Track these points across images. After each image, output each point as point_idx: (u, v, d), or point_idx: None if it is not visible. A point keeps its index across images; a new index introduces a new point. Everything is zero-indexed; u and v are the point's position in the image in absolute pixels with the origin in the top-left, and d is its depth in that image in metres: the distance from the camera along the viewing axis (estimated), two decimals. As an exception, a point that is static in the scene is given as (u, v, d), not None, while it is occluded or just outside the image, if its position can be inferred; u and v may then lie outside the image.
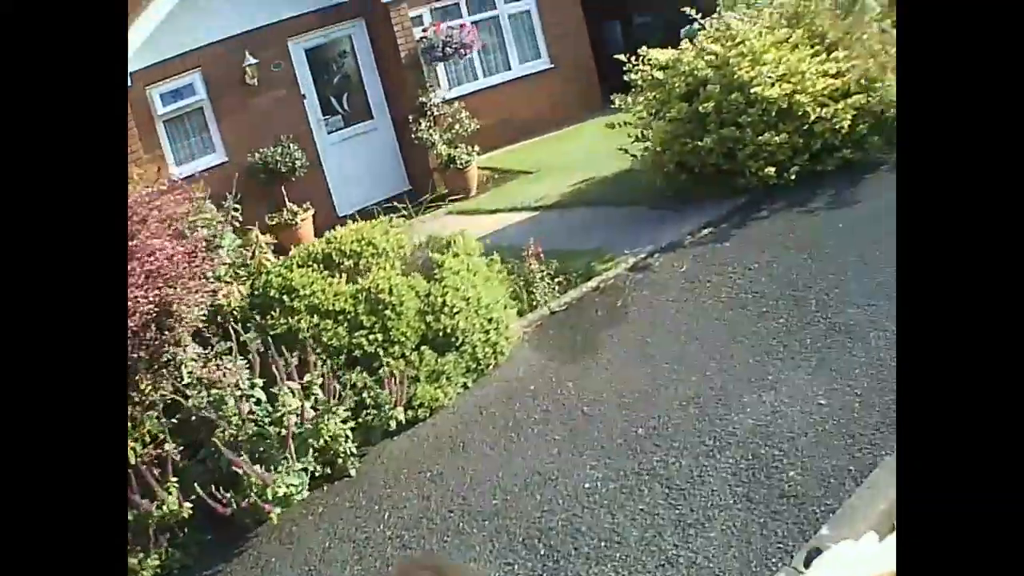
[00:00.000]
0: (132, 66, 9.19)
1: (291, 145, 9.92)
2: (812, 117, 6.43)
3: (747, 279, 5.46)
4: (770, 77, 6.44)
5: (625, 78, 7.32)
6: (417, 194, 10.94)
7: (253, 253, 5.53)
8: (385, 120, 10.87)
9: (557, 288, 5.97)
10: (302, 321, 5.04)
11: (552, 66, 11.88)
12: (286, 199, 10.07)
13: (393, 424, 4.81)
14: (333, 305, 5.07)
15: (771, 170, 6.49)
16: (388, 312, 5.06)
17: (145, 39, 9.08)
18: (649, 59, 7.23)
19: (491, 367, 5.31)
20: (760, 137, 6.45)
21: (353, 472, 4.72)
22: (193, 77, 9.67)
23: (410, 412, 4.96)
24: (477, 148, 10.39)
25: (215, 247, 5.37)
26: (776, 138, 6.43)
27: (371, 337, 5.02)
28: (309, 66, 10.38)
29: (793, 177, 6.49)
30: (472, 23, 11.29)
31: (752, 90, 6.42)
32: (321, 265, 5.37)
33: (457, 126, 10.42)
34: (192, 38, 9.44)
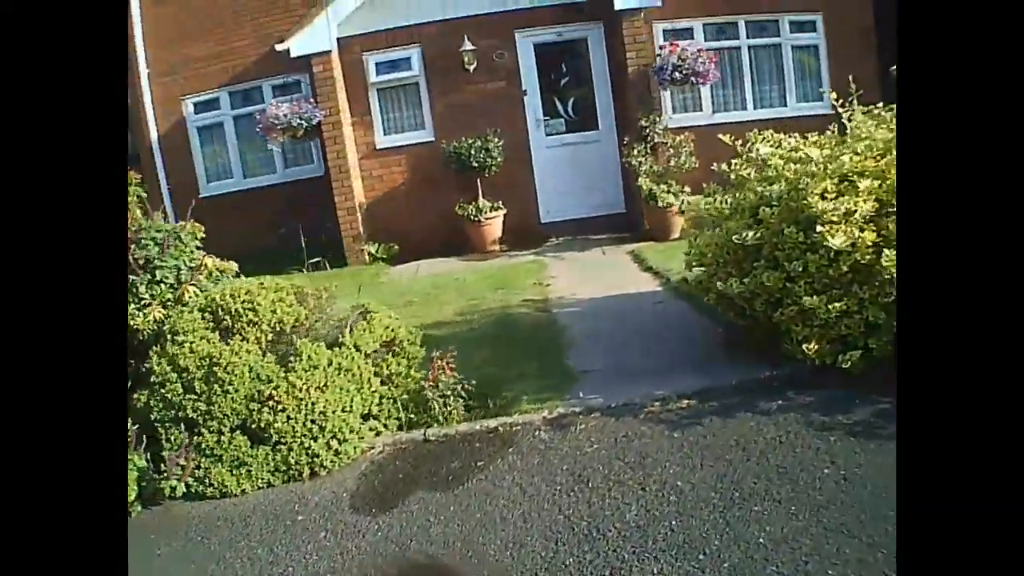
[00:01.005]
0: (350, 31, 9.58)
1: (494, 140, 9.54)
2: (905, 288, 4.20)
3: (625, 503, 3.78)
4: (848, 215, 4.34)
5: (717, 166, 5.59)
6: (629, 219, 9.87)
7: (191, 277, 5.48)
8: (611, 134, 9.84)
9: (460, 411, 4.93)
10: (159, 366, 4.95)
11: (833, 112, 9.51)
12: (480, 192, 9.83)
13: (167, 492, 4.57)
14: (182, 360, 4.87)
15: (813, 347, 4.48)
16: (216, 387, 4.71)
17: (363, 2, 9.38)
18: (756, 145, 5.37)
19: (305, 475, 4.65)
20: (806, 298, 4.44)
21: (132, 514, 4.59)
22: (411, 52, 9.76)
23: (201, 487, 4.64)
24: (688, 189, 8.92)
25: (152, 268, 5.45)
26: (833, 305, 4.38)
27: (196, 405, 4.74)
28: (536, 62, 9.76)
29: (848, 365, 4.40)
30: (749, 47, 9.66)
31: (818, 228, 4.40)
32: (211, 316, 5.14)
33: (674, 160, 9.03)
34: (409, 13, 9.49)
